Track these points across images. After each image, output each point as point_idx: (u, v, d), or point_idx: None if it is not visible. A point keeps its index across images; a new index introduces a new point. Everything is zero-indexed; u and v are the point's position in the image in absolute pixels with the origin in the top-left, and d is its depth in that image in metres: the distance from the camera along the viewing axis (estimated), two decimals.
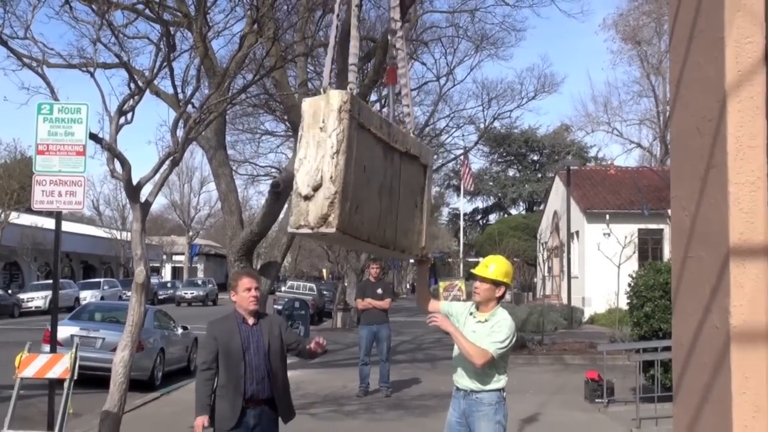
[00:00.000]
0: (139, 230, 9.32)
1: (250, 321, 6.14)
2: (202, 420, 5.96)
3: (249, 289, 6.11)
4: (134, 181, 9.28)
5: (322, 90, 4.27)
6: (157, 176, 9.54)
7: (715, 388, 2.71)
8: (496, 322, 5.92)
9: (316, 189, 3.94)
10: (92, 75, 9.60)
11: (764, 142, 2.64)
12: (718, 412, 2.68)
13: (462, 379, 6.01)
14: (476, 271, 6.05)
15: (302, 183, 3.97)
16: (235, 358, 6.00)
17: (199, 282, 60.80)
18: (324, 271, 66.87)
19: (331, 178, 3.91)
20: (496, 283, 5.99)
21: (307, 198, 3.96)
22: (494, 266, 6.01)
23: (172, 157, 9.50)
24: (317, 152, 3.98)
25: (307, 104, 4.10)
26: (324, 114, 4.01)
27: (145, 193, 9.72)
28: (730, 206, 2.65)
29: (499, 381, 5.99)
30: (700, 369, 2.83)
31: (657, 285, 12.69)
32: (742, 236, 2.63)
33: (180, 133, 9.58)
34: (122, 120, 9.25)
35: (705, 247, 2.83)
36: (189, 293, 54.93)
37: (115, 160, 9.16)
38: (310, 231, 3.99)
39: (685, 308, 2.99)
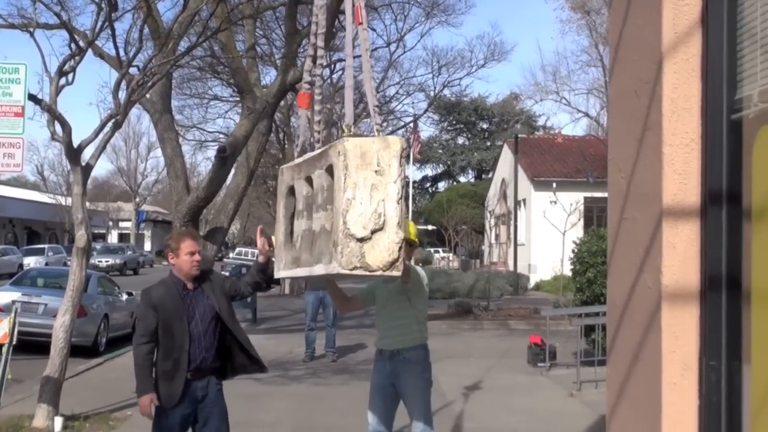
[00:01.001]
0: (80, 194, 9.17)
1: (190, 285, 5.72)
2: (150, 398, 5.55)
3: (192, 253, 5.67)
4: (75, 144, 9.11)
5: (345, 128, 4.31)
6: (99, 139, 9.37)
7: (646, 346, 2.75)
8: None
9: (374, 232, 4.04)
10: (32, 35, 9.37)
11: (699, 104, 2.65)
12: (649, 371, 2.72)
13: (387, 340, 6.16)
14: None
15: (355, 224, 4.00)
16: (179, 329, 5.58)
17: (117, 248, 54.47)
18: (273, 238, 66.55)
19: (398, 224, 4.04)
20: (410, 243, 6.20)
21: (362, 240, 4.03)
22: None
23: (114, 120, 9.33)
24: (372, 195, 4.05)
25: (352, 144, 4.08)
26: (379, 157, 4.08)
27: (87, 157, 9.55)
28: (664, 167, 2.67)
29: (423, 336, 6.20)
30: (632, 328, 2.87)
31: (600, 251, 12.86)
32: (675, 197, 2.65)
33: (122, 95, 9.41)
34: (63, 81, 9.05)
35: (639, 208, 2.86)
36: (104, 261, 47.90)
37: (56, 122, 8.97)
38: (368, 273, 4.10)
39: (619, 269, 3.02)
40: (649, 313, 2.73)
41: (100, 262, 47.70)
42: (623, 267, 2.98)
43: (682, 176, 2.66)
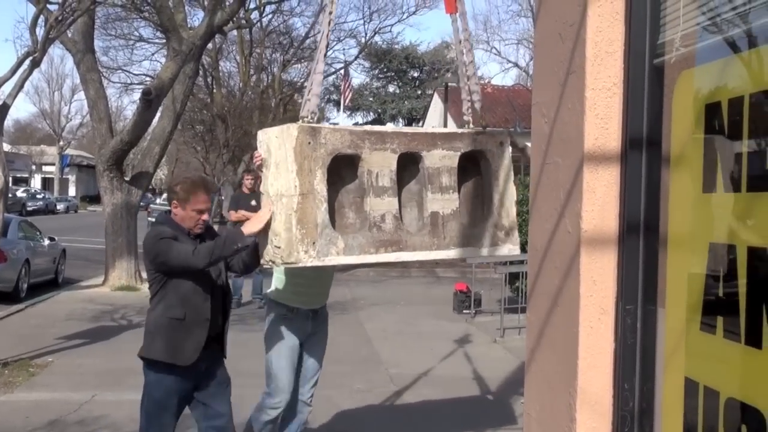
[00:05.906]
0: None
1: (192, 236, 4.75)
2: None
3: (201, 212, 4.69)
4: None
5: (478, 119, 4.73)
6: (16, 77, 9.04)
7: (565, 291, 2.76)
8: None
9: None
10: None
11: (621, 48, 2.64)
12: (567, 315, 2.74)
13: (312, 298, 5.76)
14: None
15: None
16: (202, 278, 4.67)
17: None
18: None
19: None
20: None
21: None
22: None
23: (32, 58, 9.00)
24: None
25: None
26: None
27: (4, 95, 9.23)
28: (586, 112, 2.66)
29: None
30: (552, 273, 2.88)
31: (524, 199, 12.95)
32: (596, 142, 2.65)
33: (40, 32, 9.07)
34: None
35: (561, 152, 2.85)
36: None
37: None
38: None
39: (541, 213, 3.02)
40: (569, 258, 2.74)
41: None
42: (544, 212, 2.98)
43: (603, 120, 2.65)
